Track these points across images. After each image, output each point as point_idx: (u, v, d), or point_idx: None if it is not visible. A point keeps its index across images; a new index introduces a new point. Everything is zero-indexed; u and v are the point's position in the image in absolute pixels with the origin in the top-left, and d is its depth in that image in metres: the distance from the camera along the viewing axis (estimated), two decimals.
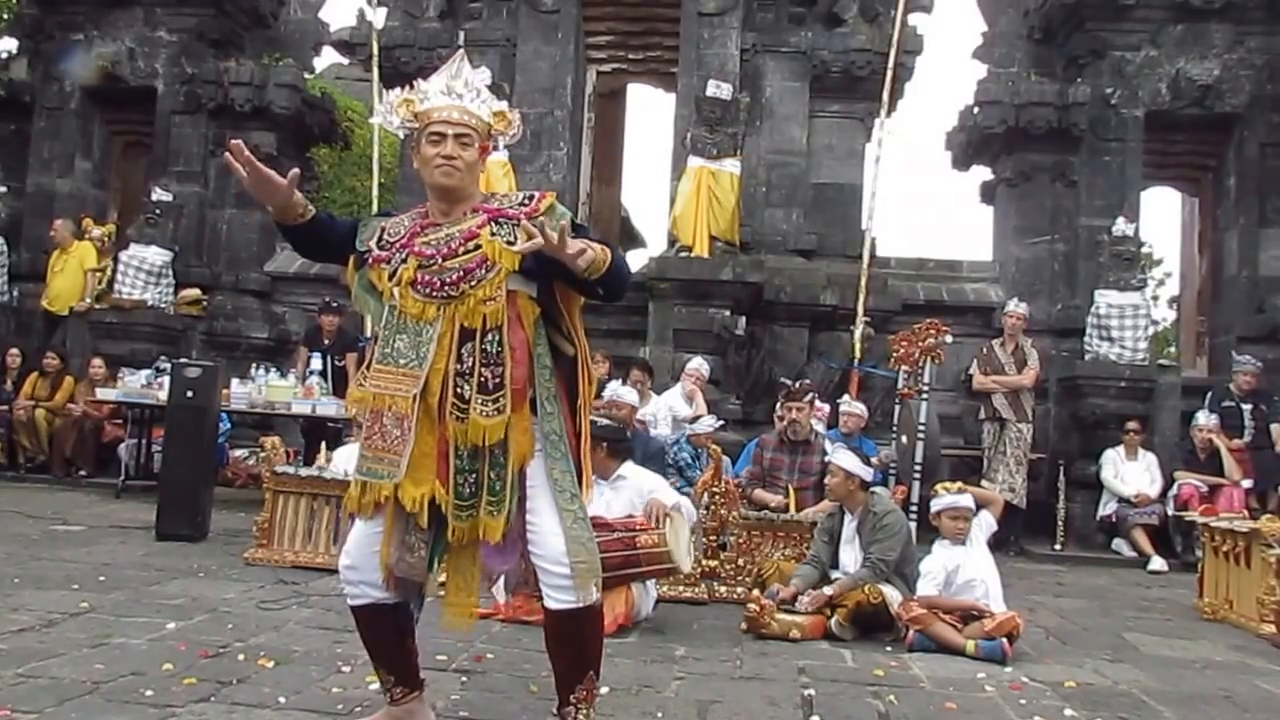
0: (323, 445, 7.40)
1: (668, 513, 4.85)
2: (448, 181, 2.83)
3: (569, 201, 10.80)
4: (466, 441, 2.75)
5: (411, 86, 2.95)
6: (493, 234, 2.78)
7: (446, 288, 2.76)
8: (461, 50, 3.07)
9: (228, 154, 2.78)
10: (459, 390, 2.75)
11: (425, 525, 2.79)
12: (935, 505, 5.21)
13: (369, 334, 7.55)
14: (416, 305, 2.78)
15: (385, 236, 2.90)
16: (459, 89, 2.88)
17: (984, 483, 8.29)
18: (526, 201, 2.87)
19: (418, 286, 2.78)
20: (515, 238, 2.76)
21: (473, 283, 2.75)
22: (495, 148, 3.02)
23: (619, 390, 7.16)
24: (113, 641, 4.04)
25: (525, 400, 2.79)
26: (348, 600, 2.97)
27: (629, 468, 5.25)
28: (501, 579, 4.32)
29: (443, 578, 2.96)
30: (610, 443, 5.11)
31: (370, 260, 2.89)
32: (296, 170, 2.86)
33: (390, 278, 2.82)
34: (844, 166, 10.81)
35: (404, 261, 2.80)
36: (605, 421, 5.17)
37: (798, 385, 7.23)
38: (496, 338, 2.75)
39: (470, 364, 2.75)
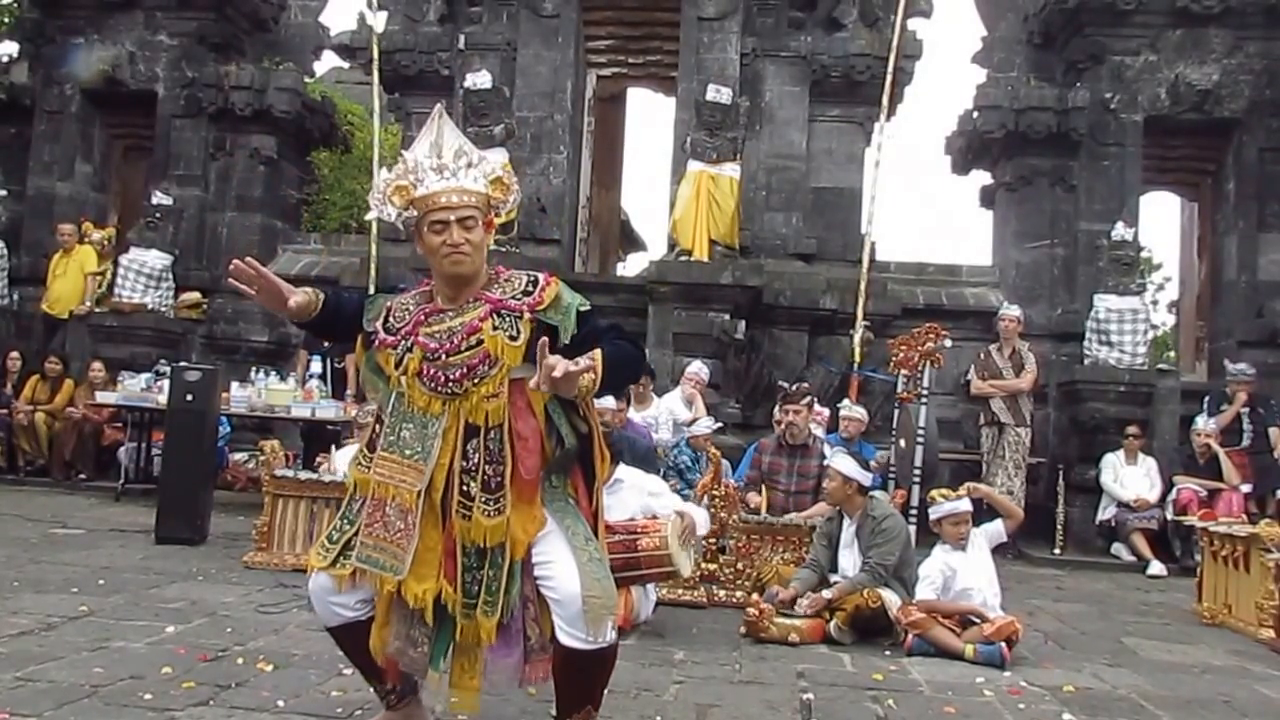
0: (332, 448, 7.39)
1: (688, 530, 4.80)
2: (458, 269, 2.77)
3: (569, 205, 10.82)
4: (471, 539, 2.71)
5: (399, 159, 2.86)
6: (495, 327, 2.72)
7: (450, 384, 2.71)
8: (439, 107, 2.95)
9: (233, 279, 2.80)
10: (464, 487, 2.71)
11: (429, 621, 2.76)
12: (934, 513, 5.21)
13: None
14: (423, 398, 2.74)
15: (391, 319, 2.84)
16: (449, 163, 2.78)
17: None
18: (530, 288, 2.79)
19: (423, 379, 2.74)
20: (518, 331, 2.72)
21: (475, 380, 2.70)
22: (498, 216, 2.91)
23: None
24: (112, 645, 4.05)
25: (536, 490, 2.75)
26: (322, 623, 2.96)
27: (623, 470, 5.23)
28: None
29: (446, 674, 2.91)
30: None
31: (377, 343, 2.86)
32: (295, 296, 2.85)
33: (397, 365, 2.78)
34: (843, 171, 10.82)
35: (409, 350, 2.76)
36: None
37: (795, 388, 7.23)
38: (499, 435, 2.71)
39: (475, 460, 2.71)
